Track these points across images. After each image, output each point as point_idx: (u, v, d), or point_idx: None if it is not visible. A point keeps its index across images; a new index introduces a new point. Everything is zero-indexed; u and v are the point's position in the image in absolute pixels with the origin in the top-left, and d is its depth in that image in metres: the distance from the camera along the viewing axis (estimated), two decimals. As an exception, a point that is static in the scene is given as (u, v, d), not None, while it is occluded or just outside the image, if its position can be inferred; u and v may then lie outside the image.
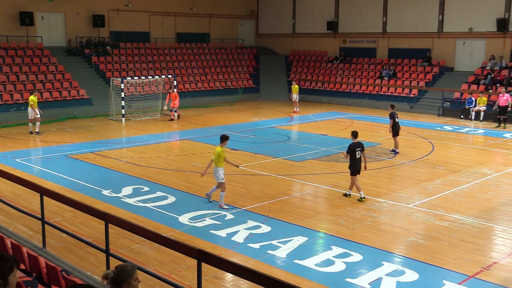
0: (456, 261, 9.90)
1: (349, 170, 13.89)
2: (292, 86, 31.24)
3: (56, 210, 11.90)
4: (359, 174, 13.84)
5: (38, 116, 22.50)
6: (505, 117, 26.51)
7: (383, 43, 36.74)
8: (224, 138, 13.04)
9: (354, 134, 14.10)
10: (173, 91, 27.37)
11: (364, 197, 13.55)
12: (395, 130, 19.42)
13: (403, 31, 35.11)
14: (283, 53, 42.12)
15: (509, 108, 26.44)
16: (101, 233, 8.73)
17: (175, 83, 29.25)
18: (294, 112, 30.29)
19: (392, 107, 20.21)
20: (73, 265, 8.98)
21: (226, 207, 12.81)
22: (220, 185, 12.86)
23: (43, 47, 31.58)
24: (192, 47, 39.03)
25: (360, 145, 13.96)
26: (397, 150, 19.40)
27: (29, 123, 22.72)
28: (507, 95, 26.90)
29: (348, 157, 13.89)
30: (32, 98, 22.51)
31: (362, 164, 13.94)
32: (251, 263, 9.40)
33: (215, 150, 12.87)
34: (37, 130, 22.56)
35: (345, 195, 13.95)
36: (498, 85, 29.57)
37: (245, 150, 20.00)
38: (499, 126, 26.31)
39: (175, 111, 27.15)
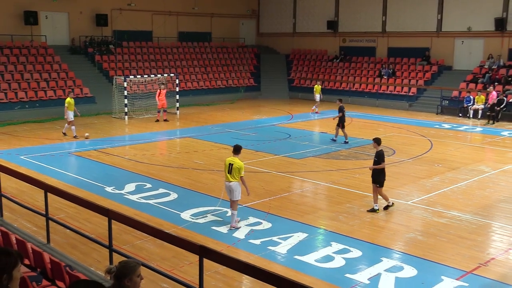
0: (454, 257, 9.90)
1: (378, 182, 12.48)
2: (316, 85, 30.78)
3: (60, 207, 11.91)
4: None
5: (72, 119, 21.33)
6: (493, 114, 26.84)
7: (382, 42, 36.70)
8: (240, 148, 11.49)
9: (378, 141, 12.75)
10: (164, 88, 26.83)
11: (378, 209, 12.49)
12: (342, 122, 20.67)
13: (402, 31, 35.07)
14: (284, 52, 42.08)
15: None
16: (104, 229, 8.75)
17: (177, 81, 29.20)
18: (313, 110, 29.90)
19: (341, 101, 21.49)
20: (76, 261, 8.99)
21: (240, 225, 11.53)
22: (235, 204, 11.39)
23: (47, 46, 31.57)
24: (194, 46, 39.01)
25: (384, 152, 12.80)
26: (346, 140, 20.69)
27: (72, 126, 21.46)
28: (494, 93, 27.10)
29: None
30: (68, 100, 21.27)
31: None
32: (252, 259, 9.41)
33: (237, 163, 11.07)
34: (74, 135, 21.36)
35: (387, 207, 12.66)
36: (496, 83, 29.58)
37: (246, 147, 19.95)
38: (488, 123, 26.64)
39: (164, 111, 26.36)
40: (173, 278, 7.71)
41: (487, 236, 11.33)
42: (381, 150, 12.67)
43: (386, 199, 12.64)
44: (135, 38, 36.05)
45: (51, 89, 28.75)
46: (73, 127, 21.44)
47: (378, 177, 12.51)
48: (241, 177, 11.11)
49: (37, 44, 31.27)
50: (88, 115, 27.76)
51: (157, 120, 26.31)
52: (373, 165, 12.62)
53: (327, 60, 39.13)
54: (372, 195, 12.64)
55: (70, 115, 21.28)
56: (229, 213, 11.63)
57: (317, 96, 30.11)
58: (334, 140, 20.93)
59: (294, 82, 38.96)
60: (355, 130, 24.11)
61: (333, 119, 21.53)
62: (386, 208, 12.63)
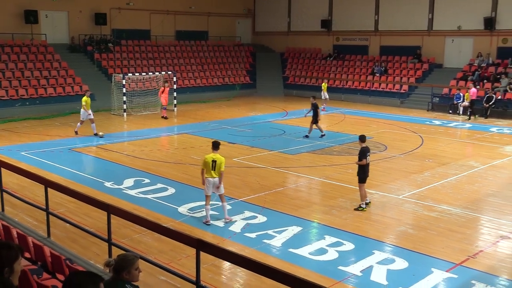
0: (444, 250, 9.94)
1: (358, 177, 12.33)
2: (323, 84, 30.44)
3: (60, 202, 11.88)
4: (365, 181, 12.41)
5: (91, 117, 20.92)
6: (471, 110, 27.06)
7: (375, 40, 36.71)
8: (219, 144, 11.49)
9: (362, 139, 12.50)
10: (168, 86, 26.77)
11: (365, 207, 12.26)
12: (316, 118, 20.82)
13: (394, 29, 35.08)
14: (279, 50, 42.03)
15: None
16: (104, 223, 8.74)
17: (174, 79, 29.13)
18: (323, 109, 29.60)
19: (314, 98, 21.49)
20: (76, 254, 8.99)
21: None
22: (223, 197, 11.46)
23: (47, 44, 31.45)
24: (191, 44, 38.92)
25: (369, 149, 12.54)
26: (323, 133, 21.03)
27: (78, 124, 21.15)
28: (474, 89, 27.26)
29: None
30: (85, 99, 20.89)
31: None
32: (248, 252, 9.42)
33: (219, 159, 11.13)
34: (95, 132, 20.94)
35: (359, 208, 12.22)
36: (485, 81, 29.66)
37: (242, 143, 20.00)
38: (472, 118, 26.85)
39: (164, 108, 26.34)
40: (170, 271, 7.72)
41: (476, 229, 11.38)
42: (364, 147, 12.35)
43: (362, 197, 12.30)
44: (133, 37, 35.94)
45: (51, 86, 28.66)
46: (79, 125, 21.08)
47: (359, 173, 12.36)
48: (221, 171, 11.10)
49: (37, 42, 31.15)
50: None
51: (165, 117, 26.15)
52: (357, 161, 12.49)
53: (321, 58, 39.12)
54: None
55: (83, 114, 20.87)
56: (228, 207, 11.59)
57: (324, 94, 29.81)
58: (307, 136, 21.03)
59: (288, 80, 38.94)
60: (348, 127, 24.16)
61: (305, 116, 21.75)
62: (358, 209, 12.24)
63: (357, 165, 12.41)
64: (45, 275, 6.63)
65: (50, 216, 9.81)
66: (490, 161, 17.41)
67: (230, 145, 19.62)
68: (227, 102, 33.20)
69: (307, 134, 21.13)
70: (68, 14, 33.14)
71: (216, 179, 11.14)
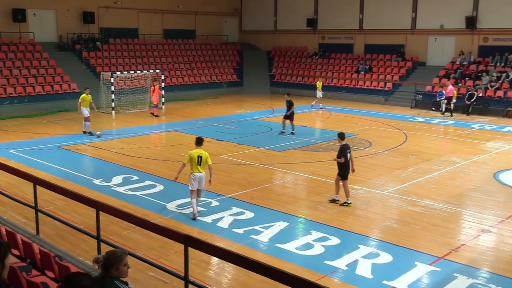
0: (427, 244, 10.01)
1: (340, 175, 12.32)
2: (317, 82, 30.18)
3: (49, 199, 11.79)
4: (347, 178, 12.39)
5: (86, 115, 20.54)
6: (449, 106, 27.40)
7: (359, 39, 36.83)
8: (203, 140, 11.49)
9: (342, 136, 12.46)
10: (157, 84, 26.78)
11: (350, 203, 12.22)
12: (291, 115, 20.92)
13: (379, 28, 35.23)
14: (265, 48, 42.03)
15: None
16: (93, 220, 8.69)
17: (162, 77, 29.02)
18: (312, 106, 29.71)
19: (288, 95, 21.72)
20: (65, 251, 8.93)
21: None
22: (201, 192, 11.57)
23: (35, 43, 31.15)
24: (179, 43, 38.78)
25: (349, 147, 12.51)
26: (293, 131, 21.07)
27: (84, 122, 20.70)
28: (451, 86, 27.57)
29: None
30: (82, 97, 20.57)
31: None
32: (236, 247, 9.41)
33: (205, 154, 11.20)
34: (88, 130, 20.61)
35: (333, 200, 12.39)
36: (466, 78, 29.91)
37: (229, 140, 19.98)
38: (451, 115, 27.17)
39: (155, 107, 26.24)
40: (159, 267, 7.69)
41: (458, 223, 11.47)
42: (344, 145, 12.33)
43: (346, 194, 12.31)
44: (121, 35, 35.72)
45: (39, 85, 28.40)
46: (87, 123, 20.69)
47: (339, 170, 12.37)
48: (209, 166, 11.19)
49: (25, 41, 30.82)
50: (76, 110, 27.38)
51: (155, 115, 25.99)
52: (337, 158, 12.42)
53: (306, 56, 39.18)
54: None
55: (84, 111, 20.47)
56: (199, 202, 11.64)
57: (318, 93, 29.55)
58: (283, 132, 21.16)
59: (275, 78, 38.97)
60: (334, 124, 24.24)
61: (287, 116, 21.43)
62: (332, 201, 12.39)
63: (336, 162, 12.39)
64: (34, 272, 6.57)
65: (39, 214, 9.72)
66: (471, 157, 17.57)
67: (217, 142, 19.59)
68: (215, 100, 33.15)
69: (282, 130, 21.21)
70: (56, 13, 32.83)
71: (203, 174, 11.18)
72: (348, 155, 12.30)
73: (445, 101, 27.67)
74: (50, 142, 19.35)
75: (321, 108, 29.17)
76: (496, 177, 15.01)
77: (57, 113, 26.52)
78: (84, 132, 20.74)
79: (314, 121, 24.83)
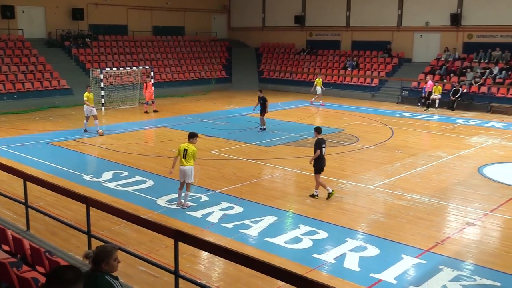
0: (413, 237, 10.08)
1: (314, 168, 12.41)
2: (317, 79, 29.97)
3: (39, 195, 11.70)
4: (322, 171, 12.53)
5: (95, 113, 20.06)
6: (429, 101, 27.72)
7: (346, 36, 36.91)
8: (195, 135, 11.60)
9: (318, 130, 12.60)
10: (150, 81, 26.68)
11: (333, 191, 12.33)
12: (263, 110, 20.96)
13: (365, 25, 35.32)
14: (254, 45, 41.98)
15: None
16: (83, 216, 8.63)
17: (152, 73, 28.87)
18: (311, 102, 29.46)
19: (261, 91, 21.64)
20: (56, 246, 8.87)
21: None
22: (190, 186, 11.70)
23: (24, 39, 30.84)
24: (168, 39, 38.60)
25: (324, 141, 12.56)
26: (264, 127, 21.04)
27: (84, 121, 20.25)
28: (430, 82, 27.81)
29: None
30: (86, 95, 19.89)
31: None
32: (225, 242, 9.41)
33: (191, 148, 11.32)
34: (98, 129, 20.00)
35: (313, 195, 12.43)
36: (452, 75, 30.10)
37: (218, 136, 19.96)
38: (427, 109, 27.51)
39: (151, 103, 26.15)
40: (149, 261, 7.67)
41: (444, 216, 11.56)
42: (319, 139, 12.39)
43: (324, 186, 12.34)
44: (110, 32, 35.49)
45: (28, 81, 28.15)
46: (85, 122, 20.24)
47: (314, 164, 12.40)
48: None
49: (14, 37, 30.51)
50: (65, 106, 27.30)
51: (146, 112, 25.80)
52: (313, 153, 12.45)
53: (294, 53, 39.20)
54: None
55: (86, 110, 19.96)
56: (187, 195, 11.72)
57: (318, 89, 29.28)
58: (264, 129, 21.06)
59: (263, 74, 38.94)
60: (322, 119, 24.30)
61: (260, 111, 21.37)
62: (312, 196, 12.43)
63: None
64: (24, 267, 6.52)
65: (29, 210, 9.65)
66: (456, 151, 17.70)
67: (207, 138, 19.56)
68: (204, 96, 33.06)
69: (261, 127, 21.10)
70: (45, 9, 32.53)
71: (187, 168, 11.33)
72: (323, 149, 12.34)
73: (425, 95, 27.96)
74: (40, 138, 19.19)
75: (321, 104, 28.92)
76: (480, 171, 15.14)
77: (46, 110, 26.31)
78: (85, 131, 20.21)
79: (302, 117, 24.86)
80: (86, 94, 20.12)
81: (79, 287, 3.66)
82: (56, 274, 3.69)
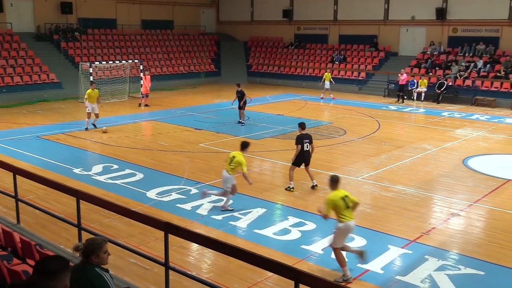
0: (399, 228, 10.15)
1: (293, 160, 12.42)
2: (325, 74, 29.56)
3: (29, 188, 11.61)
4: (307, 165, 12.46)
5: (96, 111, 19.32)
6: (402, 93, 27.96)
7: (334, 30, 36.92)
8: (247, 145, 11.14)
9: (302, 126, 12.56)
10: (148, 74, 26.42)
11: (292, 188, 12.35)
12: (242, 104, 20.77)
13: (352, 19, 35.34)
14: (242, 39, 41.85)
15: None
16: (73, 209, 8.58)
17: (141, 67, 28.69)
18: (329, 97, 28.97)
19: (238, 85, 21.29)
20: (46, 239, 8.83)
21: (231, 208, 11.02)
22: (228, 192, 10.98)
23: (13, 33, 30.49)
24: (157, 33, 38.36)
25: (309, 137, 12.53)
26: (243, 121, 20.87)
27: (86, 118, 19.43)
28: (405, 75, 27.96)
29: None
30: (88, 92, 19.27)
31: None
32: (215, 234, 9.42)
33: (239, 157, 10.84)
34: (89, 125, 19.43)
35: (313, 187, 12.54)
36: (437, 68, 30.26)
37: (208, 129, 19.91)
38: (398, 101, 27.74)
39: (146, 96, 25.89)
40: (140, 254, 7.66)
41: (429, 208, 11.65)
42: (301, 134, 12.36)
43: (291, 178, 12.38)
44: (99, 26, 35.20)
45: (17, 75, 27.87)
46: (87, 119, 19.40)
47: (294, 157, 12.39)
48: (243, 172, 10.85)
49: (2, 31, 30.14)
50: (55, 100, 27.09)
51: (140, 105, 25.69)
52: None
53: (283, 47, 39.15)
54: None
55: (88, 106, 19.12)
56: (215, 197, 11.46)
57: (327, 83, 28.85)
58: (243, 123, 20.84)
59: (252, 68, 38.86)
60: (309, 112, 24.32)
61: (232, 104, 21.60)
62: (287, 189, 12.42)
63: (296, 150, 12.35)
64: (15, 260, 6.47)
65: (20, 203, 9.58)
66: (442, 143, 17.82)
67: (196, 131, 19.51)
68: (193, 90, 32.94)
69: (240, 121, 20.94)
70: (33, 3, 32.16)
71: (226, 175, 10.88)
72: (306, 145, 12.25)
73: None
74: (30, 132, 19.02)
75: (333, 98, 28.61)
76: (465, 163, 15.27)
77: (36, 103, 26.06)
78: (87, 129, 19.40)
79: (290, 110, 24.87)
80: (88, 91, 19.40)
81: (66, 277, 3.63)
82: (42, 264, 3.66)
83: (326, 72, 30.34)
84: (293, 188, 12.40)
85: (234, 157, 10.86)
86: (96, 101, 19.45)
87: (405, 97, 28.15)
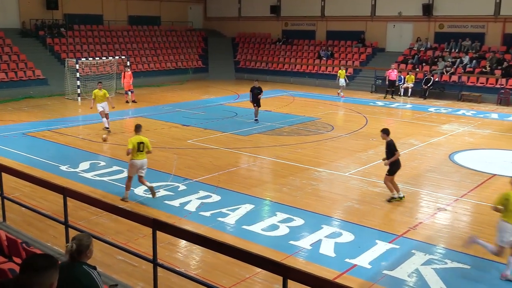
0: (387, 223, 10.22)
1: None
2: (339, 71, 29.08)
3: (15, 186, 11.50)
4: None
5: (106, 111, 18.59)
6: (393, 89, 28.15)
7: (321, 26, 36.95)
8: (141, 127, 11.62)
9: (387, 132, 12.01)
10: (128, 71, 26.33)
11: (400, 197, 11.59)
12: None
13: (340, 15, 35.39)
14: (230, 35, 41.74)
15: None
16: (60, 206, 8.51)
17: (128, 63, 28.54)
18: (338, 94, 28.56)
19: (257, 81, 21.21)
20: (33, 237, 8.76)
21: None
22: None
23: (-3, 29, 30.17)
24: (144, 29, 38.12)
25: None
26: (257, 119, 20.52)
27: (103, 118, 18.69)
28: (395, 71, 28.12)
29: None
30: (94, 92, 18.76)
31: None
32: (203, 230, 9.41)
33: (146, 140, 11.26)
34: (105, 125, 18.64)
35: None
36: (423, 64, 30.44)
37: (195, 126, 19.86)
38: (386, 97, 27.97)
39: (131, 92, 25.73)
40: (128, 251, 7.63)
41: (416, 202, 11.73)
42: (391, 140, 11.98)
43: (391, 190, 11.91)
44: (86, 22, 34.86)
45: (3, 71, 27.53)
46: (103, 119, 18.65)
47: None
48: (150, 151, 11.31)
49: (-13, 27, 29.81)
50: (41, 96, 26.85)
51: (127, 102, 25.53)
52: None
53: (270, 43, 39.12)
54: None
55: (98, 107, 18.53)
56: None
57: (342, 81, 28.51)
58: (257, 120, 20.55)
59: (240, 64, 38.80)
60: (297, 108, 24.35)
61: (250, 100, 21.14)
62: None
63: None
64: (1, 258, 6.42)
65: (5, 201, 9.49)
66: (428, 139, 17.94)
67: (184, 127, 19.45)
68: (181, 86, 32.83)
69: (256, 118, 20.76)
70: (18, -1, 31.81)
71: (144, 160, 11.24)
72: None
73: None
74: (15, 129, 18.83)
75: (342, 97, 28.27)
76: (451, 158, 15.39)
77: (21, 100, 25.81)
78: (107, 128, 18.57)
79: (278, 106, 24.89)
80: (94, 91, 18.89)
81: (53, 275, 3.60)
82: (29, 262, 3.63)
83: (339, 69, 29.69)
84: (401, 197, 11.54)
85: (142, 142, 11.13)
86: (107, 101, 18.68)
87: (393, 93, 28.28)
